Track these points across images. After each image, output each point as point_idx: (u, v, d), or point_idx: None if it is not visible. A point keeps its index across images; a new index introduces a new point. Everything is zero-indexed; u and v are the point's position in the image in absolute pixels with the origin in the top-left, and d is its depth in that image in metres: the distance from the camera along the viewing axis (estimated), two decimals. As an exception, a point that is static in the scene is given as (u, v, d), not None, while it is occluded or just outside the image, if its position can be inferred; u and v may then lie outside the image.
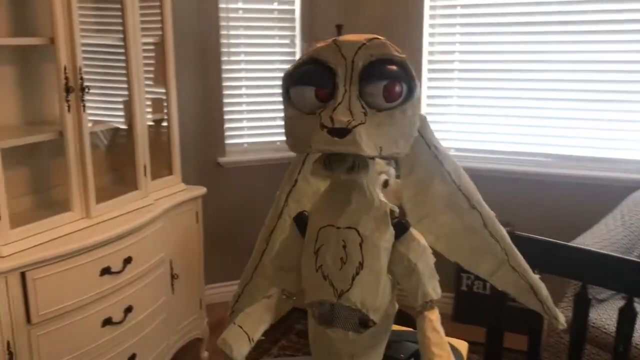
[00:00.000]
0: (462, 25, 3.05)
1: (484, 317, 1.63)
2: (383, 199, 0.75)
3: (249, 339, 0.76)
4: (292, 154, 3.06)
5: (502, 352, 1.50)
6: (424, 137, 0.78)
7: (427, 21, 3.07)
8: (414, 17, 3.06)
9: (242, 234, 3.42)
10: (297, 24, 3.27)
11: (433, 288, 0.74)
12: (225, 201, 3.26)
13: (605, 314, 2.18)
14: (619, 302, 1.81)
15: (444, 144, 3.10)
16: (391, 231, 0.73)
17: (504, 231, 0.83)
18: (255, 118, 3.33)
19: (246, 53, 3.24)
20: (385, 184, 2.41)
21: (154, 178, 2.41)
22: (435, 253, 0.78)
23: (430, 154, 0.79)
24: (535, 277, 0.84)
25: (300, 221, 0.78)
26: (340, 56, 0.70)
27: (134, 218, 2.17)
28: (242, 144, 3.34)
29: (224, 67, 3.18)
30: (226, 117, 3.25)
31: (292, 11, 3.26)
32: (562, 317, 0.85)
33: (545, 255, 1.45)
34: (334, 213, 0.74)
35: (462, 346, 1.15)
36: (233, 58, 3.20)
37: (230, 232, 3.38)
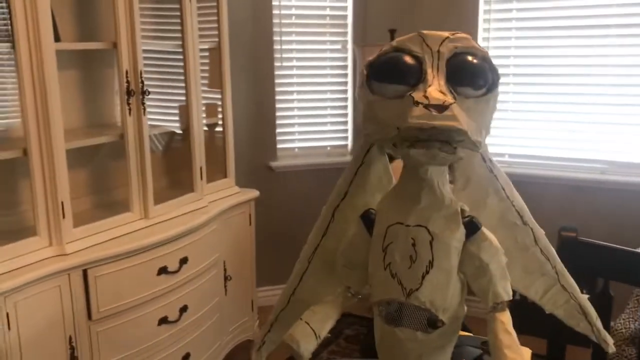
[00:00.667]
0: (517, 29, 3.00)
1: (541, 328, 1.59)
2: (453, 197, 0.74)
3: (316, 335, 0.76)
4: (343, 158, 3.06)
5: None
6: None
7: (481, 25, 3.03)
8: (469, 21, 3.03)
9: (292, 237, 3.43)
10: (349, 29, 3.28)
11: (504, 289, 0.72)
12: (276, 205, 3.28)
13: (670, 327, 2.08)
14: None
15: (499, 149, 3.03)
16: (462, 230, 0.72)
17: (553, 250, 0.81)
18: (306, 123, 3.35)
19: (298, 59, 3.26)
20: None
21: (209, 181, 2.46)
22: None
23: (485, 168, 0.78)
24: (584, 298, 0.81)
25: (367, 219, 0.77)
26: (426, 46, 0.70)
27: (190, 219, 2.21)
28: (293, 148, 3.36)
29: (277, 72, 3.21)
30: (278, 121, 3.28)
31: (345, 17, 3.27)
32: (610, 340, 0.82)
33: (609, 262, 1.41)
34: (403, 211, 0.73)
35: (527, 353, 1.13)
36: (285, 64, 3.23)
37: (281, 235, 3.40)
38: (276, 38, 3.17)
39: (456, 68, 0.69)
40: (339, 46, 3.30)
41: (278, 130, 3.29)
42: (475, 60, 0.70)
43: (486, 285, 0.72)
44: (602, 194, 2.84)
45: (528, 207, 0.80)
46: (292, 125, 3.33)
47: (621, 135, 2.82)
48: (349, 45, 3.29)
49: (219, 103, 2.57)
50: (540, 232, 0.80)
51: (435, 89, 0.67)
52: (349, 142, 3.42)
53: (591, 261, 1.39)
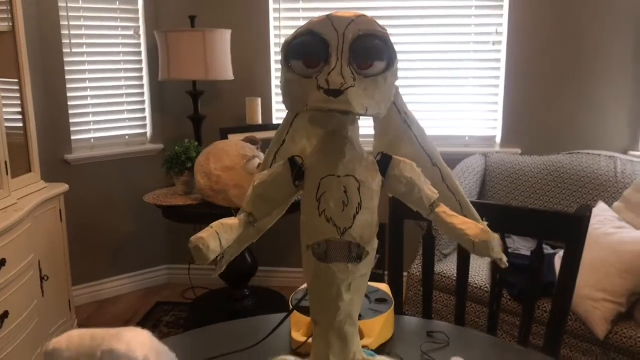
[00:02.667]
0: (304, 9, 3.28)
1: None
2: (368, 151, 0.90)
3: (220, 240, 0.84)
4: (142, 147, 3.07)
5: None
6: (395, 104, 0.94)
7: (272, 14, 3.25)
8: (260, 8, 3.22)
9: (101, 232, 3.30)
10: (141, 14, 3.23)
11: (430, 190, 0.89)
12: (76, 200, 3.11)
13: (449, 265, 2.56)
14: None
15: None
16: (379, 177, 0.88)
17: (459, 187, 1.01)
18: (101, 112, 3.23)
19: (88, 44, 3.12)
20: (259, 166, 2.55)
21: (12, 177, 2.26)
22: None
23: (400, 119, 0.95)
24: (484, 224, 0.96)
25: (293, 162, 0.89)
26: (333, 29, 0.83)
27: (1, 219, 2.03)
28: (89, 139, 3.21)
29: (66, 59, 3.03)
30: (71, 111, 3.10)
31: (135, 2, 3.21)
32: (505, 257, 0.88)
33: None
34: (331, 165, 0.87)
35: (385, 288, 1.35)
36: (75, 50, 3.06)
37: (89, 232, 3.24)
38: (63, 23, 2.99)
39: (358, 50, 0.82)
40: (130, 32, 3.23)
41: (72, 120, 3.11)
42: (375, 42, 0.84)
43: (418, 194, 0.88)
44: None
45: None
46: (87, 114, 3.18)
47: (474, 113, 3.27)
48: (142, 31, 3.25)
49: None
50: (447, 171, 0.98)
51: (337, 72, 0.81)
52: (148, 130, 3.38)
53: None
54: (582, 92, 3.11)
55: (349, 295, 0.91)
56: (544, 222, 1.49)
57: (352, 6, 3.20)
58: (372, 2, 3.19)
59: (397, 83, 0.88)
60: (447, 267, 2.56)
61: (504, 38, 3.14)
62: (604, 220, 2.40)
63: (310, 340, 1.15)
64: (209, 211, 2.53)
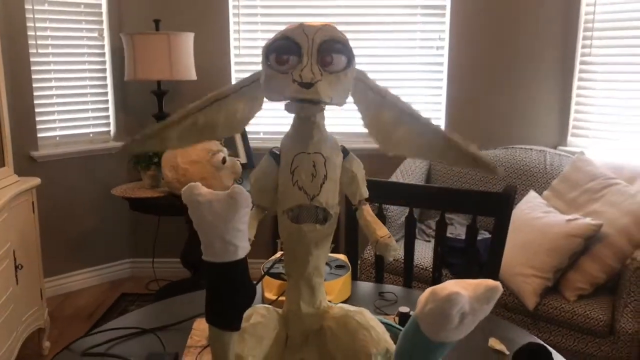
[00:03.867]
0: (262, 15, 3.48)
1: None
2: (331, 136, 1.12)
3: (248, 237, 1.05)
4: (106, 145, 3.23)
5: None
6: (368, 84, 1.14)
7: (232, 19, 3.44)
8: (222, 13, 3.40)
9: (67, 228, 3.41)
10: (105, 17, 3.36)
11: (365, 190, 1.13)
12: (43, 197, 3.22)
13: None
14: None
15: (255, 128, 3.46)
16: (341, 154, 1.10)
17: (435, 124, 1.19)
18: (67, 110, 3.34)
19: (54, 45, 3.23)
20: (224, 160, 2.74)
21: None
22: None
23: (373, 94, 1.16)
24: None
25: (274, 154, 1.10)
26: (304, 35, 1.04)
27: (-19, 209, 2.15)
28: (54, 137, 3.32)
29: (32, 59, 3.14)
30: (37, 110, 3.20)
31: (99, 5, 3.34)
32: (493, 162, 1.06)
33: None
34: (302, 145, 1.07)
35: (344, 257, 1.58)
36: (41, 50, 3.18)
37: (56, 227, 3.35)
38: (30, 24, 3.10)
39: (324, 52, 1.04)
40: (95, 34, 3.36)
41: (38, 118, 3.22)
42: (337, 45, 1.06)
43: (355, 188, 1.12)
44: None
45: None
46: (52, 113, 3.29)
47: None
48: (106, 33, 3.38)
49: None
50: (406, 105, 1.12)
51: (308, 69, 1.02)
52: (112, 128, 3.51)
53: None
54: (517, 93, 3.43)
55: (317, 251, 1.12)
56: (476, 200, 1.75)
57: (306, 12, 3.42)
58: (325, 9, 3.42)
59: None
60: (396, 251, 2.81)
61: (446, 43, 3.43)
62: (534, 207, 2.70)
63: (281, 298, 1.37)
64: (175, 202, 2.70)
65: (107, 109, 3.47)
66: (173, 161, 2.65)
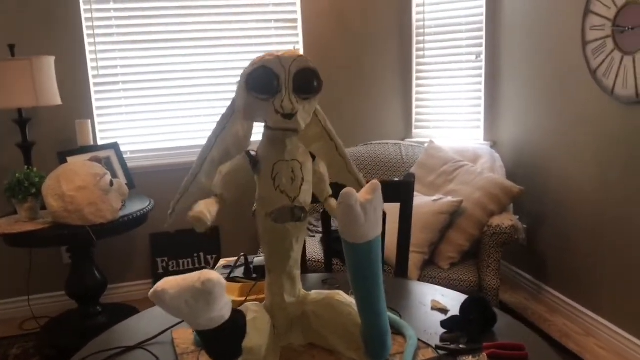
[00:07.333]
0: (119, 34, 3.45)
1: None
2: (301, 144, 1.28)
3: (209, 213, 1.16)
4: None
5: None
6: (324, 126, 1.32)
7: (87, 40, 3.36)
8: (77, 42, 3.31)
9: None
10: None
11: (329, 187, 1.31)
12: None
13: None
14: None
15: (124, 148, 3.45)
16: (311, 159, 1.27)
17: (345, 152, 1.40)
18: None
19: None
20: (111, 183, 2.73)
21: None
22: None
23: (322, 127, 1.34)
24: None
25: (249, 155, 1.23)
26: (281, 65, 1.19)
27: None
28: None
29: None
30: None
31: None
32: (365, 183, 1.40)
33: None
34: (280, 153, 1.22)
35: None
36: None
37: None
38: None
39: (299, 81, 1.16)
40: None
41: None
42: (308, 75, 1.21)
43: (323, 187, 1.29)
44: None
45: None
46: None
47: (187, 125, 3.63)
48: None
49: None
50: (339, 143, 1.35)
51: (288, 100, 1.16)
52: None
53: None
54: (369, 94, 3.82)
55: (297, 245, 1.28)
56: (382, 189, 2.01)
57: (161, 30, 3.46)
58: (180, 26, 3.50)
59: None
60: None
61: (301, 52, 3.69)
62: (402, 193, 3.08)
63: (253, 297, 1.50)
64: (63, 232, 2.62)
65: None
66: (58, 190, 2.56)
